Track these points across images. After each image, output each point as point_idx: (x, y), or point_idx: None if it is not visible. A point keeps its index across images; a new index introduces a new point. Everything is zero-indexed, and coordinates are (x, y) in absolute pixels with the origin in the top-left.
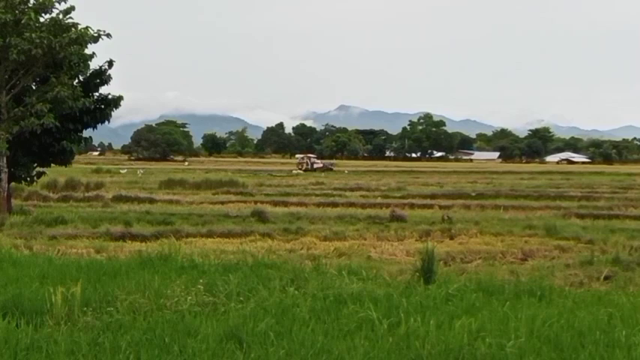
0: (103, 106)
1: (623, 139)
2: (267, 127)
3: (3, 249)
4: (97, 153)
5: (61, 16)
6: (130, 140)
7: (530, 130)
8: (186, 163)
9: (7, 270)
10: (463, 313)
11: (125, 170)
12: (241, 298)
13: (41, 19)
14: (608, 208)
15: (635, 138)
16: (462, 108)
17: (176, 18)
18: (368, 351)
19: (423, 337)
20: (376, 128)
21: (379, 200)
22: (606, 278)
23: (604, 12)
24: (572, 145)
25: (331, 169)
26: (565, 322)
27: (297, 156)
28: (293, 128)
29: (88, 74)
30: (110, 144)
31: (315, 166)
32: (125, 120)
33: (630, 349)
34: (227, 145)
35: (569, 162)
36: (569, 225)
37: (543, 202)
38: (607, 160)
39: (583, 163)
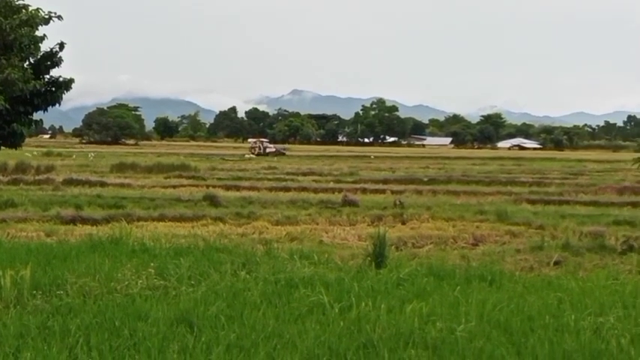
0: (54, 89)
1: (574, 126)
2: (220, 111)
3: None
4: (47, 136)
5: None
6: (81, 123)
7: (483, 116)
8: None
9: None
10: (414, 298)
11: (74, 155)
12: (192, 282)
13: None
14: (558, 193)
15: (585, 124)
16: (415, 93)
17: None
18: (319, 335)
19: (374, 321)
20: (329, 113)
21: (331, 185)
22: (556, 263)
23: None
24: (524, 131)
25: (284, 154)
26: (515, 307)
27: (249, 140)
28: (246, 112)
29: (38, 56)
30: (61, 127)
31: (268, 150)
32: (77, 103)
33: (579, 334)
34: (179, 129)
35: (521, 148)
36: (520, 210)
37: (495, 188)
38: (558, 146)
39: (534, 149)
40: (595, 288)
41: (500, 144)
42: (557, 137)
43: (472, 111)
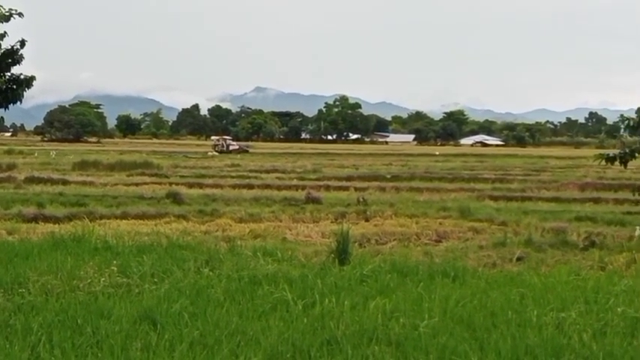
0: (14, 87)
1: (536, 122)
2: (183, 109)
3: None
4: (9, 134)
5: None
6: (43, 121)
7: (445, 113)
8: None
9: None
10: (377, 294)
11: (36, 153)
12: (155, 280)
13: None
14: (521, 190)
15: (547, 121)
16: (378, 91)
17: None
18: (283, 331)
19: (337, 317)
20: (292, 110)
21: (295, 182)
22: (519, 259)
23: None
24: (487, 127)
25: (247, 151)
26: (478, 303)
27: (212, 138)
28: (208, 110)
29: None
30: (23, 125)
31: (231, 147)
32: (38, 100)
33: (541, 329)
34: (142, 126)
35: (484, 145)
36: (483, 207)
37: (457, 185)
38: (520, 142)
39: (497, 145)
40: (557, 284)
41: (463, 141)
42: (519, 134)
43: (435, 108)
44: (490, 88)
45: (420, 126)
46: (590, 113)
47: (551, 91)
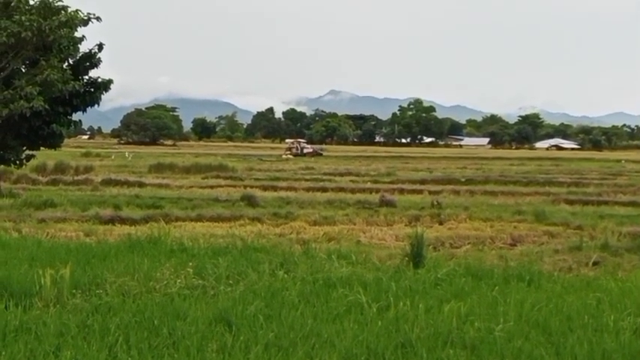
0: (92, 90)
1: (613, 126)
2: (258, 112)
3: None
4: (86, 137)
5: None
6: (119, 124)
7: (520, 117)
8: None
9: None
10: (452, 298)
11: (112, 156)
12: (230, 282)
13: (31, 2)
14: (597, 194)
15: (624, 124)
16: (453, 94)
17: (172, 3)
18: (357, 334)
19: (412, 320)
20: (366, 113)
21: (369, 185)
22: (595, 264)
23: None
24: (562, 131)
25: (321, 154)
26: (554, 307)
27: (287, 141)
28: (283, 113)
29: (77, 57)
30: (100, 128)
31: (305, 151)
32: (115, 104)
33: (618, 334)
34: (217, 129)
35: (559, 148)
36: (558, 211)
37: (532, 188)
38: (596, 146)
39: (572, 149)
40: (634, 288)
41: (538, 144)
42: (595, 137)
43: (511, 111)
44: (567, 92)
45: (495, 129)
46: None
47: (629, 94)
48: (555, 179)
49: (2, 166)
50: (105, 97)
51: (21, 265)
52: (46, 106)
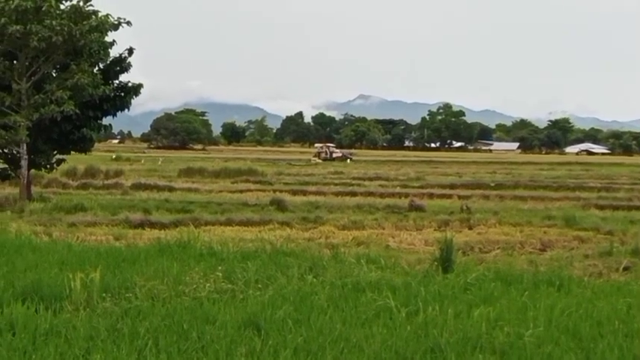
0: (122, 94)
1: None
2: (287, 117)
3: (23, 235)
4: (116, 141)
5: (81, 4)
6: (149, 128)
7: (550, 121)
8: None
9: (27, 256)
10: (481, 302)
11: (142, 160)
12: (260, 286)
13: (62, 7)
14: (627, 199)
15: None
16: (482, 98)
17: (202, 7)
18: (386, 339)
19: (441, 325)
20: (395, 118)
21: (398, 190)
22: (625, 269)
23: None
24: (592, 136)
25: (350, 159)
26: (584, 312)
27: (316, 145)
28: (312, 117)
29: (108, 62)
30: (130, 132)
31: (334, 155)
32: (145, 108)
33: None
34: (246, 134)
35: (589, 153)
36: (589, 216)
37: (562, 193)
38: (627, 151)
39: (603, 154)
40: None
41: (568, 149)
42: (626, 142)
43: (542, 116)
44: (599, 96)
45: (525, 134)
46: None
47: None
48: (585, 184)
49: (33, 170)
50: (135, 101)
51: (51, 269)
52: (77, 111)
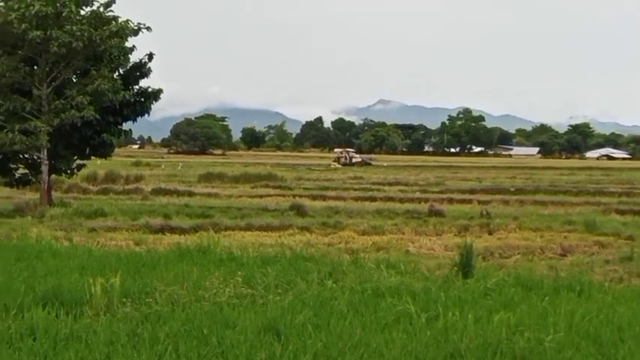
0: (142, 99)
1: None
2: (306, 122)
3: (43, 240)
4: (136, 146)
5: (101, 9)
6: (169, 133)
7: (570, 126)
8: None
9: (48, 261)
10: (501, 308)
11: (162, 165)
12: (279, 291)
13: (82, 12)
14: None
15: None
16: (502, 103)
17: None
18: (406, 344)
19: (461, 330)
20: (415, 123)
21: (417, 195)
22: None
23: None
24: (613, 141)
25: (370, 164)
26: (604, 318)
27: (335, 150)
28: (332, 122)
29: (128, 67)
30: (150, 137)
31: (354, 160)
32: (166, 113)
33: None
34: (266, 139)
35: (610, 158)
36: (609, 221)
37: (583, 198)
38: None
39: (623, 159)
40: None
41: (589, 154)
42: None
43: (562, 121)
44: (620, 101)
45: (545, 139)
46: None
47: None
48: (606, 189)
49: (54, 175)
50: (155, 106)
51: (72, 274)
52: (97, 116)
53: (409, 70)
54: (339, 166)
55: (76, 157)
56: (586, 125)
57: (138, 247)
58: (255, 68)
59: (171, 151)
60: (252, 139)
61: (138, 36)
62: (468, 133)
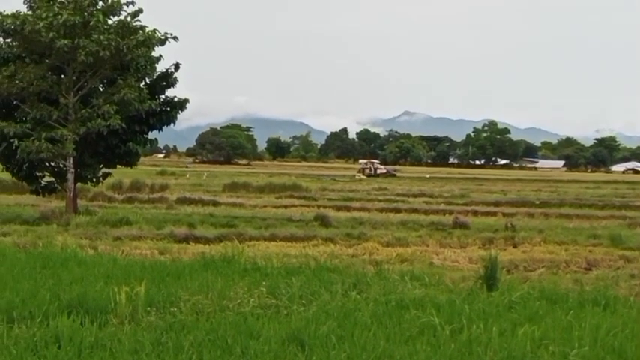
0: (168, 109)
1: None
2: (331, 132)
3: (69, 248)
4: (162, 155)
5: (129, 19)
6: (194, 143)
7: (596, 139)
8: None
9: (73, 269)
10: (526, 321)
11: (187, 175)
12: (303, 301)
13: (109, 22)
14: None
15: None
16: (528, 116)
17: (249, 23)
18: (430, 356)
19: (485, 343)
20: (440, 135)
21: (442, 207)
22: None
23: None
24: (639, 154)
25: (394, 175)
26: (630, 332)
27: (360, 161)
28: (357, 134)
29: (154, 76)
30: (175, 146)
31: (379, 171)
32: (191, 123)
33: None
34: (291, 149)
35: (635, 172)
36: (635, 235)
37: (608, 212)
38: None
39: None
40: None
41: (614, 168)
42: None
43: (588, 134)
44: None
45: (570, 152)
46: None
47: None
48: (632, 203)
49: (79, 183)
50: (181, 116)
51: (97, 282)
52: (123, 125)
53: (435, 82)
54: (364, 177)
55: (101, 166)
56: (612, 139)
57: (162, 256)
58: (281, 79)
59: (197, 160)
60: (277, 150)
61: (165, 46)
62: (493, 145)
